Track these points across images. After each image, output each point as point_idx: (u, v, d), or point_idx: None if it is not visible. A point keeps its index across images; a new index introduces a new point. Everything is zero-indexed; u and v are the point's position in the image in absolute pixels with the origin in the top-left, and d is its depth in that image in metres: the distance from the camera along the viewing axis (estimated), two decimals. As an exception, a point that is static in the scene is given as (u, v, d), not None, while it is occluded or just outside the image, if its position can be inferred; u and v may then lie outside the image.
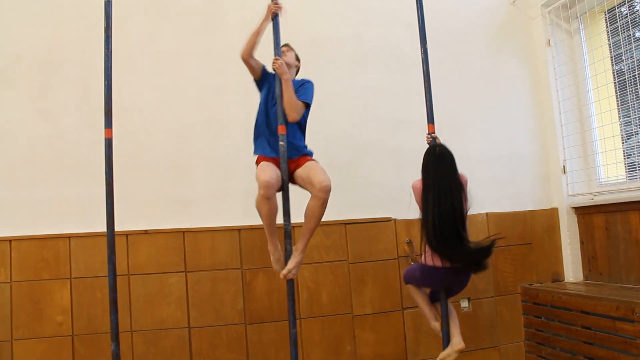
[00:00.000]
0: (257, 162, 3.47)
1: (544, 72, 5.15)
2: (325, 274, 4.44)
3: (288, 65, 3.50)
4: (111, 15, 3.27)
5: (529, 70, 5.23)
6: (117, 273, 3.22)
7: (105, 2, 3.27)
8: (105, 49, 3.23)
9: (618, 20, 4.54)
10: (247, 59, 3.44)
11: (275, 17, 3.47)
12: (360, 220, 4.57)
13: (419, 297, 3.55)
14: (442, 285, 3.38)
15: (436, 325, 3.47)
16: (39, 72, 4.27)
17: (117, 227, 3.24)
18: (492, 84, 5.09)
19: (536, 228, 4.99)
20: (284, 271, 3.26)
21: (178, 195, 4.32)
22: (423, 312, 3.57)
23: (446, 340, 3.37)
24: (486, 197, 4.80)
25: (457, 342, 3.33)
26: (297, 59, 3.72)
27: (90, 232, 4.09)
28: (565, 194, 4.93)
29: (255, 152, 3.55)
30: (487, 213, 4.84)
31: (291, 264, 3.27)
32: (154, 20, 4.47)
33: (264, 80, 3.56)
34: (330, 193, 3.23)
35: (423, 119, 3.51)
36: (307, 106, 3.49)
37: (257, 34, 3.41)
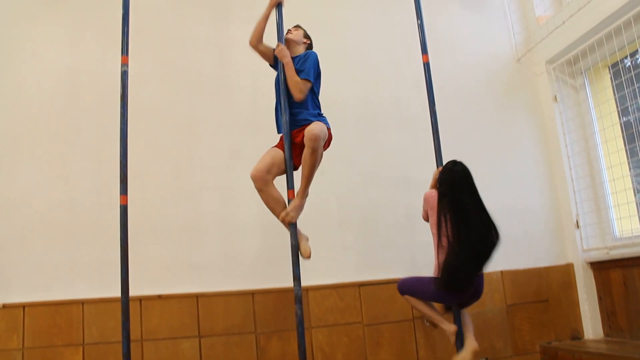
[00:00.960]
0: None
1: (552, 128, 5.19)
2: (340, 337, 4.37)
3: (294, 42, 3.68)
4: (127, 84, 3.37)
5: (537, 126, 5.28)
6: (131, 339, 3.20)
7: (121, 72, 3.38)
8: (121, 118, 3.30)
9: (622, 75, 4.60)
10: (256, 44, 3.70)
11: (279, 6, 3.65)
12: (374, 281, 4.52)
13: (424, 306, 3.48)
14: (459, 301, 3.36)
15: (450, 327, 3.40)
16: (56, 138, 4.37)
17: (131, 292, 3.24)
18: (501, 141, 5.14)
19: (552, 284, 4.92)
20: (282, 213, 3.33)
21: (191, 259, 4.31)
22: (432, 319, 3.50)
23: (459, 344, 3.36)
24: (500, 254, 4.73)
25: (470, 342, 3.33)
26: (306, 36, 3.82)
27: (104, 297, 4.07)
28: (580, 249, 4.88)
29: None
30: (501, 271, 4.79)
31: (290, 207, 3.35)
32: (167, 88, 4.59)
33: (277, 63, 3.68)
34: (319, 142, 3.28)
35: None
36: (313, 80, 3.54)
37: (263, 21, 3.66)
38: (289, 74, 3.47)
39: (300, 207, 3.37)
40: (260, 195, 3.44)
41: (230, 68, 4.70)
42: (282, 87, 3.51)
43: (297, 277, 3.31)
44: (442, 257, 3.28)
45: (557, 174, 5.14)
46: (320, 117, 3.57)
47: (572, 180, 4.98)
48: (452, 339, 3.41)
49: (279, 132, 3.66)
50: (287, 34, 3.71)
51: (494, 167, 5.05)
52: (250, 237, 4.39)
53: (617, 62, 4.68)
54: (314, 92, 3.61)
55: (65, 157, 4.34)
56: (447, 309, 3.57)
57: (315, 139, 3.24)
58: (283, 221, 3.37)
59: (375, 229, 4.64)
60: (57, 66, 4.50)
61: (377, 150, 4.82)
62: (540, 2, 5.39)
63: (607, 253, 4.67)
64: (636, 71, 4.49)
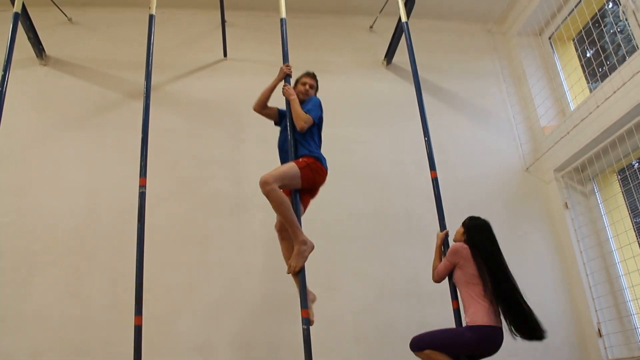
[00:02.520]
0: None
1: (565, 234, 5.19)
2: None
3: (303, 94, 3.82)
4: (144, 205, 3.45)
5: (550, 233, 5.28)
6: None
7: (139, 193, 3.47)
8: (138, 240, 3.34)
9: (630, 181, 4.66)
10: (259, 111, 3.92)
11: (286, 78, 3.84)
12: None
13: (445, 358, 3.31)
14: (486, 353, 3.33)
15: None
16: (73, 256, 4.46)
17: (144, 415, 3.16)
18: (515, 251, 5.04)
19: (578, 398, 4.71)
20: (289, 269, 3.34)
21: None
22: None
23: None
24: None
25: None
26: (312, 87, 3.92)
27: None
28: (604, 359, 4.72)
29: None
30: (524, 385, 4.62)
31: (291, 258, 3.35)
32: (182, 205, 4.72)
33: (282, 119, 3.85)
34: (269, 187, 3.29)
35: (447, 289, 3.52)
36: (315, 119, 3.66)
37: (268, 91, 3.88)
38: (294, 108, 3.63)
39: (299, 255, 3.33)
40: (282, 244, 3.57)
41: (244, 186, 4.83)
42: (288, 123, 3.67)
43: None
44: (477, 307, 3.31)
45: (575, 282, 5.06)
46: (313, 153, 3.64)
47: (590, 287, 4.91)
48: None
49: None
50: (300, 85, 3.87)
51: None
52: (264, 355, 4.31)
53: (624, 168, 4.76)
54: (315, 132, 3.74)
55: (80, 275, 4.41)
56: None
57: (262, 185, 3.32)
58: (289, 272, 3.37)
59: (391, 342, 4.54)
60: (77, 185, 4.69)
61: (390, 262, 4.82)
62: (545, 113, 5.56)
63: (634, 363, 4.52)
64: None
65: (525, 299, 3.41)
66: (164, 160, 4.76)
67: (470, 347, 3.35)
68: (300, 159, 3.53)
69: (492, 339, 3.31)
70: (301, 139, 3.66)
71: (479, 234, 3.53)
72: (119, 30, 5.47)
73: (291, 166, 3.46)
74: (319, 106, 3.77)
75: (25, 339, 4.15)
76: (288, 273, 3.37)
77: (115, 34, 5.45)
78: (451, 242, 3.69)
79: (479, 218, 3.64)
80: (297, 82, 3.91)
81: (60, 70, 5.18)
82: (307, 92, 3.85)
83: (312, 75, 3.94)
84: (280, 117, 3.96)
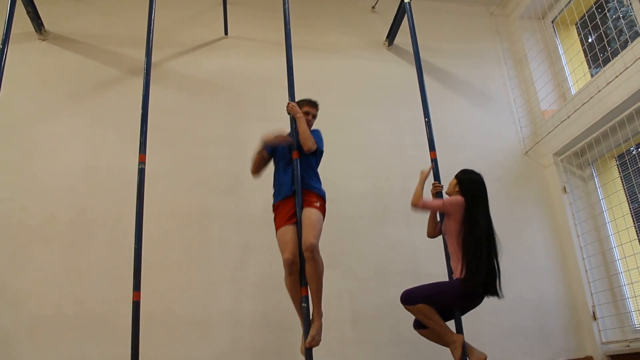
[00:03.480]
0: (274, 220, 3.63)
1: (563, 219, 5.21)
2: None
3: (309, 122, 3.76)
4: (144, 182, 3.46)
5: (548, 217, 5.30)
6: None
7: (138, 169, 3.47)
8: (136, 215, 3.36)
9: (630, 167, 4.68)
10: (256, 174, 3.84)
11: (267, 148, 3.73)
12: (387, 376, 4.42)
13: (437, 316, 3.39)
14: (472, 306, 3.48)
15: (459, 337, 3.38)
16: (70, 232, 4.47)
17: (141, 389, 3.19)
18: (513, 233, 5.10)
19: (571, 379, 4.77)
20: (308, 339, 3.22)
21: (202, 355, 4.26)
22: (442, 330, 3.40)
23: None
24: (516, 349, 4.66)
25: (479, 352, 3.37)
26: (314, 116, 3.89)
27: (112, 394, 4.01)
28: (598, 342, 4.76)
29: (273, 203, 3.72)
30: (518, 366, 4.67)
31: (313, 331, 3.25)
32: (181, 183, 4.73)
33: (274, 153, 3.78)
34: (317, 253, 3.30)
35: (444, 272, 3.55)
36: (320, 147, 3.71)
37: (258, 156, 3.76)
38: (302, 127, 3.59)
39: (320, 328, 3.33)
40: (289, 280, 3.44)
41: (243, 164, 4.80)
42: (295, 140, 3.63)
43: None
44: (467, 261, 3.38)
45: (571, 265, 5.10)
46: (322, 192, 3.68)
47: (586, 271, 4.94)
48: (459, 350, 3.34)
49: (280, 197, 3.64)
50: (304, 114, 3.76)
51: (506, 261, 4.92)
52: (259, 334, 4.35)
53: (623, 153, 4.76)
54: (315, 165, 3.75)
55: (78, 250, 4.42)
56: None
57: (311, 249, 3.31)
58: (309, 346, 3.24)
59: (388, 324, 4.56)
60: (75, 162, 4.69)
61: (388, 243, 4.85)
62: (545, 97, 5.55)
63: (628, 346, 4.56)
64: (642, 159, 4.57)
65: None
66: (163, 138, 4.75)
67: (462, 300, 3.43)
68: (318, 204, 3.57)
69: (480, 293, 3.40)
70: (311, 172, 3.68)
71: (474, 188, 3.57)
72: (119, 6, 5.42)
73: (319, 217, 3.50)
74: (321, 139, 3.78)
75: (21, 314, 4.17)
76: (308, 346, 3.24)
77: (116, 10, 5.40)
78: (445, 196, 3.74)
79: (472, 171, 3.68)
80: (300, 106, 3.78)
81: (59, 45, 5.13)
82: (309, 122, 3.79)
83: (316, 105, 3.89)
84: (273, 154, 3.82)
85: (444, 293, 3.43)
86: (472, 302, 3.45)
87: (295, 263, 3.38)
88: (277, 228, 3.57)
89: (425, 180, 3.69)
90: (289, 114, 3.73)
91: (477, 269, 3.32)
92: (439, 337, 3.47)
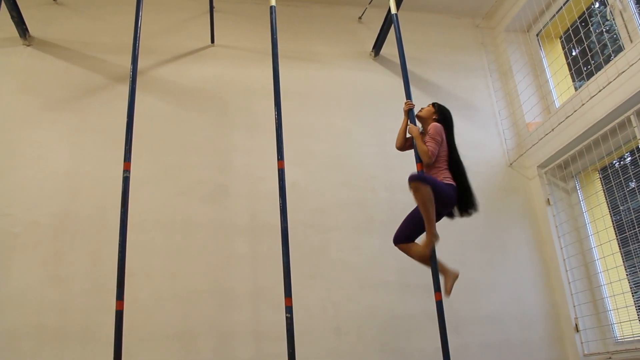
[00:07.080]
0: None
1: (546, 230, 5.24)
2: None
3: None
4: (128, 190, 3.42)
5: (532, 229, 5.33)
6: None
7: (123, 177, 3.42)
8: (121, 224, 3.29)
9: (612, 180, 4.72)
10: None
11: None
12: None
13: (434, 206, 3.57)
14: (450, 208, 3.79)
15: (437, 238, 3.58)
16: (53, 239, 4.40)
17: (122, 400, 3.14)
18: (496, 245, 5.15)
19: (554, 392, 4.78)
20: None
21: (185, 364, 4.22)
22: (433, 219, 3.58)
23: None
24: (499, 361, 4.68)
25: (452, 271, 3.60)
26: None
27: (93, 405, 3.95)
28: (580, 354, 4.79)
29: None
30: (500, 378, 4.67)
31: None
32: (165, 191, 4.68)
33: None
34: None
35: (430, 283, 3.54)
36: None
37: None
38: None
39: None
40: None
41: (229, 173, 4.81)
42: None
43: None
44: (446, 173, 3.77)
45: (554, 277, 5.12)
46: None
47: (569, 283, 4.97)
48: (434, 244, 3.55)
49: None
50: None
51: (489, 272, 5.04)
52: (243, 344, 4.30)
53: (606, 166, 4.81)
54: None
55: (60, 258, 4.35)
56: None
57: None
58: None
59: (372, 335, 4.56)
60: (58, 169, 4.62)
61: (372, 254, 4.83)
62: (530, 110, 5.60)
63: (609, 358, 4.58)
64: (625, 176, 4.61)
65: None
66: (148, 146, 4.71)
67: (453, 200, 3.72)
68: None
69: (455, 195, 3.74)
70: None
71: (448, 117, 3.95)
72: (105, 13, 5.39)
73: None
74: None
75: (2, 322, 4.09)
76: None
77: (102, 16, 5.36)
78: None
79: (444, 106, 4.02)
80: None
81: (44, 51, 5.08)
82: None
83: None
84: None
85: (443, 187, 3.66)
86: (453, 205, 3.78)
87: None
88: None
89: (407, 121, 3.96)
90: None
91: (463, 178, 3.79)
92: (428, 224, 3.59)
